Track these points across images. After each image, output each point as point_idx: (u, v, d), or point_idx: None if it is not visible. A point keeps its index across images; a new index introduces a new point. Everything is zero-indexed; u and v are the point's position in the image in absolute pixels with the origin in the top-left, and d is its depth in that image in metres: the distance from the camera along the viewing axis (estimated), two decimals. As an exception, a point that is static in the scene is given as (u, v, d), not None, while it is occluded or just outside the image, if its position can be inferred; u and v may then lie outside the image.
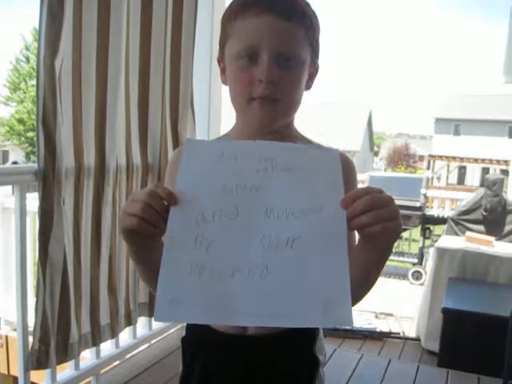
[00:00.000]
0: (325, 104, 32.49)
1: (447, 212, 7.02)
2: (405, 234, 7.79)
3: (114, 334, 2.31)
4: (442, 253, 4.19)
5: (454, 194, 8.67)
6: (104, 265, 2.19)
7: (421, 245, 6.98)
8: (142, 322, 2.63)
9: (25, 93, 25.41)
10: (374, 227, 0.77)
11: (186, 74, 2.52)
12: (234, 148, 0.86)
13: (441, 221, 6.69)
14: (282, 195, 0.81)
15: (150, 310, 2.56)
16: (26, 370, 1.94)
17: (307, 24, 0.97)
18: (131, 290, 2.39)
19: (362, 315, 4.83)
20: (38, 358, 1.91)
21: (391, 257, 6.91)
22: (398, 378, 2.88)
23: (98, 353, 2.33)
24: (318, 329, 1.05)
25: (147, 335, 2.71)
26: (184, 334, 1.08)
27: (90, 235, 2.11)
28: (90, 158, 2.06)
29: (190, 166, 0.85)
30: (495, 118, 29.88)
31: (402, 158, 37.69)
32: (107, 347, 2.43)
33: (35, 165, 1.88)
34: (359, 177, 5.97)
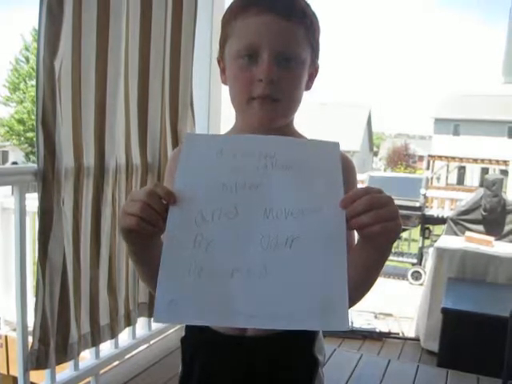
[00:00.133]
0: (324, 104, 32.49)
1: (447, 212, 7.02)
2: (404, 234, 7.80)
3: (113, 334, 2.31)
4: (441, 253, 4.19)
5: (453, 194, 8.67)
6: (103, 265, 2.19)
7: (420, 245, 6.98)
8: (141, 322, 2.63)
9: (24, 93, 25.41)
10: (374, 227, 0.77)
11: (186, 73, 2.51)
12: (233, 144, 0.86)
13: (440, 221, 6.69)
14: (282, 194, 0.81)
15: (149, 310, 2.56)
16: (26, 370, 1.94)
17: (307, 24, 0.97)
18: (131, 290, 2.39)
19: (362, 315, 4.83)
20: (38, 358, 1.91)
21: (390, 257, 6.91)
22: (398, 378, 2.88)
23: (97, 353, 2.33)
24: (317, 329, 1.05)
25: (146, 335, 2.71)
26: (183, 334, 1.08)
27: (89, 235, 2.11)
28: (89, 158, 2.06)
29: (190, 163, 0.84)
30: (495, 119, 29.89)
31: (401, 158, 37.70)
32: (106, 347, 2.43)
33: (35, 165, 1.88)
34: (359, 177, 5.94)
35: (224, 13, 1.02)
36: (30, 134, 24.15)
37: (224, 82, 1.05)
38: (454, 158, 19.21)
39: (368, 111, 36.28)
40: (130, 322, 2.41)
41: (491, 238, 4.58)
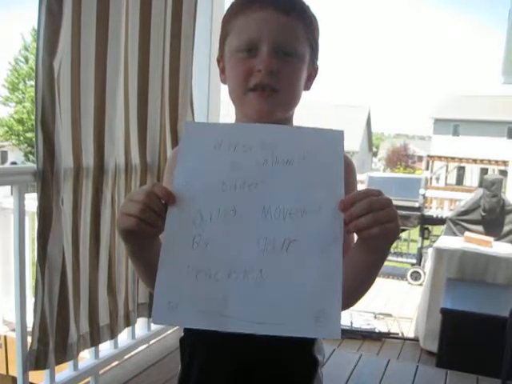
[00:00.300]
0: (324, 104, 32.52)
1: (446, 212, 7.03)
2: (403, 235, 7.80)
3: (113, 334, 2.31)
4: (440, 253, 4.19)
5: (452, 194, 8.68)
6: (103, 265, 2.19)
7: (419, 245, 6.98)
8: (140, 322, 2.63)
9: (24, 93, 25.41)
10: (373, 229, 0.77)
11: (186, 73, 2.51)
12: (233, 134, 0.84)
13: (439, 221, 6.70)
14: (281, 193, 0.80)
15: (149, 310, 2.56)
16: (25, 371, 1.94)
17: (306, 22, 0.98)
18: (130, 290, 2.39)
19: (361, 316, 4.83)
20: (37, 359, 1.91)
21: (390, 257, 6.92)
22: (397, 379, 2.88)
23: (96, 353, 2.33)
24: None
25: (146, 336, 2.71)
26: (182, 334, 1.08)
27: (88, 235, 2.11)
28: (88, 159, 2.06)
29: (189, 158, 0.83)
30: (494, 119, 29.92)
31: (400, 158, 37.74)
32: (106, 347, 2.43)
33: (34, 165, 1.87)
34: (358, 177, 5.94)
35: (225, 13, 1.03)
36: (29, 134, 24.14)
37: (223, 81, 1.05)
38: (453, 159, 19.22)
39: (367, 111, 36.31)
40: (129, 322, 2.41)
41: (490, 239, 4.58)
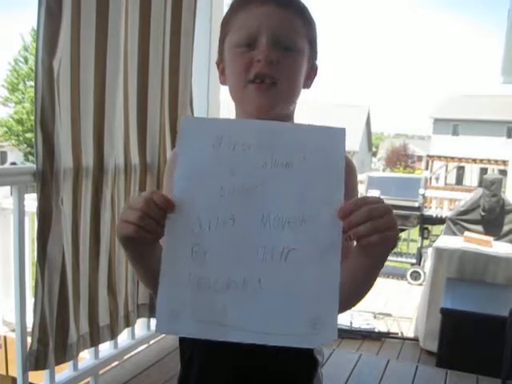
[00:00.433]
0: (323, 104, 32.52)
1: (445, 212, 7.03)
2: (403, 235, 7.80)
3: (113, 334, 2.30)
4: (440, 253, 4.19)
5: (452, 194, 8.68)
6: (103, 265, 2.19)
7: (419, 245, 6.98)
8: (140, 322, 2.63)
9: (23, 93, 25.40)
10: (372, 237, 0.77)
11: (185, 73, 2.51)
12: (232, 132, 0.82)
13: (439, 221, 6.69)
14: (280, 200, 0.79)
15: (150, 311, 2.56)
16: (25, 371, 1.94)
17: (305, 18, 0.99)
18: (130, 290, 2.39)
19: (361, 315, 4.83)
20: (37, 359, 1.91)
21: (390, 257, 6.83)
22: (397, 378, 2.88)
23: (96, 353, 2.33)
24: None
25: (146, 336, 2.71)
26: (182, 334, 1.07)
27: (88, 235, 2.11)
28: (88, 159, 2.06)
29: (187, 159, 0.81)
30: (494, 119, 29.94)
31: (400, 158, 37.74)
32: (106, 348, 2.43)
33: (33, 165, 1.87)
34: (358, 177, 5.93)
35: (224, 14, 1.03)
36: (28, 135, 24.13)
37: (223, 83, 1.05)
38: (452, 158, 19.24)
39: (367, 111, 36.33)
40: (129, 322, 2.41)
41: (490, 238, 4.58)
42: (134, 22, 2.24)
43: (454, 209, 6.34)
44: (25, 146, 25.40)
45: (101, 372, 2.41)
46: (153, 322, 2.72)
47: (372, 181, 6.94)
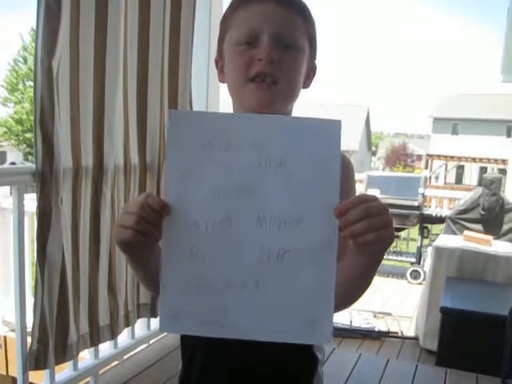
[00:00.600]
0: (323, 103, 32.50)
1: (445, 211, 7.02)
2: (403, 234, 7.79)
3: (113, 334, 2.30)
4: (440, 252, 4.19)
5: (451, 193, 8.67)
6: (103, 265, 2.19)
7: (419, 244, 6.98)
8: (140, 322, 2.63)
9: (23, 94, 25.40)
10: (368, 236, 0.77)
11: (185, 73, 2.51)
12: (224, 129, 0.79)
13: (439, 220, 6.69)
14: (275, 200, 0.79)
15: (151, 311, 2.56)
16: (25, 371, 1.94)
17: (305, 17, 0.99)
18: (130, 290, 2.39)
19: (361, 315, 4.83)
20: (37, 359, 1.91)
21: (389, 256, 6.92)
22: (397, 377, 2.88)
23: (96, 353, 2.33)
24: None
25: (146, 335, 2.71)
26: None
27: (88, 235, 2.11)
28: (87, 158, 2.06)
29: (179, 160, 0.79)
30: (493, 118, 29.95)
31: (399, 157, 37.75)
32: (106, 347, 2.43)
33: (33, 165, 1.87)
34: (357, 176, 5.96)
35: (224, 12, 1.03)
36: (28, 135, 24.13)
37: (222, 80, 1.05)
38: (452, 157, 19.25)
39: (366, 110, 36.32)
40: (129, 322, 2.41)
41: (490, 237, 4.58)
42: (134, 22, 2.24)
43: (453, 208, 6.34)
44: (24, 145, 25.40)
45: (101, 372, 2.41)
46: (153, 321, 2.72)
47: (371, 180, 6.93)
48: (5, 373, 3.46)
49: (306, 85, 1.04)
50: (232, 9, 1.00)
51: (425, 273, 6.11)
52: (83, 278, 2.09)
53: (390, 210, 0.81)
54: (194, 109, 2.62)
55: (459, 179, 27.42)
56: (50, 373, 2.05)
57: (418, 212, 6.68)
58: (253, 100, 0.96)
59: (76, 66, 1.97)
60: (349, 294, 0.88)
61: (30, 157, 23.90)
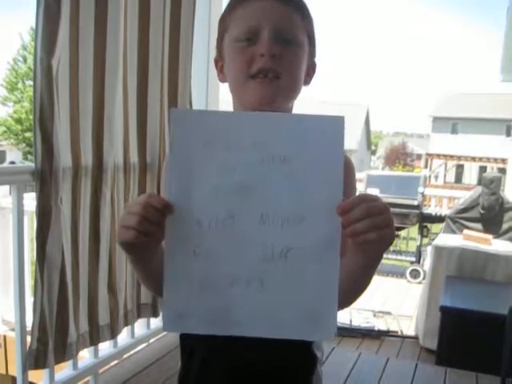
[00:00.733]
0: (322, 103, 32.51)
1: (445, 210, 7.03)
2: (402, 233, 7.80)
3: (113, 334, 2.30)
4: (439, 251, 4.19)
5: (451, 192, 8.67)
6: (103, 264, 2.18)
7: (418, 243, 6.98)
8: (140, 321, 2.62)
9: (22, 93, 25.39)
10: (369, 235, 0.77)
11: (185, 72, 2.51)
12: (225, 127, 0.79)
13: (438, 219, 6.69)
14: (278, 197, 0.79)
15: (153, 310, 2.56)
16: (24, 370, 1.93)
17: (304, 13, 0.99)
18: (129, 289, 2.39)
19: (360, 314, 4.83)
20: (36, 358, 1.91)
21: (389, 255, 6.92)
22: (396, 377, 2.89)
23: (96, 352, 2.33)
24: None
25: (145, 334, 2.71)
26: (182, 331, 1.08)
27: (87, 234, 2.11)
28: (87, 158, 2.06)
29: (181, 159, 0.79)
30: (493, 117, 29.94)
31: (399, 156, 37.76)
32: (105, 347, 2.43)
33: (32, 164, 1.87)
34: (357, 175, 5.93)
35: (222, 12, 1.03)
36: (27, 134, 24.12)
37: (222, 80, 1.05)
38: (452, 157, 19.27)
39: (366, 110, 36.34)
40: (128, 321, 2.41)
41: (489, 236, 4.58)
42: (134, 21, 2.23)
43: (453, 207, 6.34)
44: (24, 145, 25.38)
45: (100, 371, 2.41)
46: (153, 320, 2.72)
47: (371, 179, 6.94)
48: (4, 372, 3.46)
49: (306, 82, 1.04)
50: (230, 8, 1.01)
51: (424, 272, 6.12)
52: (83, 278, 2.09)
53: (390, 209, 0.81)
54: (194, 108, 2.62)
55: (459, 178, 27.43)
56: (50, 372, 2.05)
57: (417, 211, 6.69)
58: (255, 96, 0.95)
59: (76, 65, 1.97)
60: (348, 293, 0.88)
61: (29, 156, 23.89)
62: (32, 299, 1.92)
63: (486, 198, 5.34)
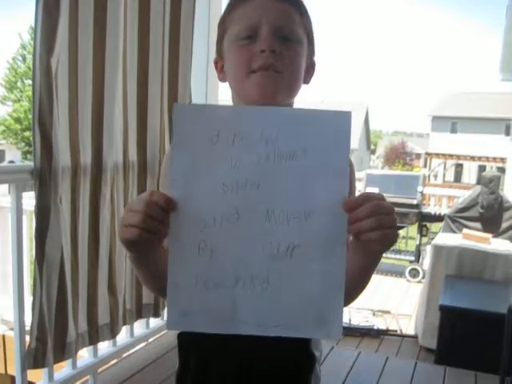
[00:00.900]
0: (322, 102, 32.53)
1: (444, 209, 7.03)
2: (402, 232, 7.80)
3: (113, 333, 2.30)
4: (438, 250, 4.19)
5: (450, 191, 8.66)
6: (102, 263, 2.18)
7: (418, 242, 6.99)
8: (139, 320, 2.62)
9: (22, 92, 25.39)
10: (373, 233, 0.77)
11: (185, 71, 2.51)
12: (231, 122, 0.78)
13: (438, 218, 6.70)
14: (284, 193, 0.78)
15: (155, 311, 2.56)
16: (23, 369, 1.93)
17: (302, 12, 1.00)
18: (128, 289, 2.38)
19: (360, 313, 4.84)
20: (35, 357, 1.91)
21: (388, 254, 6.92)
22: (396, 376, 2.89)
23: (95, 351, 2.33)
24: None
25: (144, 334, 2.71)
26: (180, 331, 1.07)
27: (87, 234, 2.10)
28: (86, 157, 2.06)
29: (184, 154, 0.78)
30: (492, 116, 29.96)
31: (398, 155, 37.77)
32: (104, 346, 2.43)
33: (31, 163, 1.87)
34: (357, 175, 5.93)
35: (222, 13, 1.04)
36: (27, 133, 24.12)
37: (222, 79, 1.05)
38: (451, 156, 19.28)
39: (365, 109, 36.35)
40: (126, 320, 2.40)
41: (488, 236, 4.58)
42: (133, 19, 2.23)
43: (452, 206, 6.34)
44: (23, 144, 25.38)
45: (99, 370, 2.41)
46: (152, 319, 2.72)
47: (371, 178, 6.94)
48: (3, 371, 3.46)
49: (306, 80, 1.04)
50: (230, 8, 1.01)
51: (424, 271, 6.12)
52: (82, 277, 2.09)
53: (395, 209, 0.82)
54: (193, 107, 2.62)
55: (458, 177, 27.46)
56: (49, 371, 2.05)
57: (416, 210, 6.69)
58: (257, 90, 0.95)
59: (75, 63, 1.96)
60: (346, 292, 0.88)
61: (28, 155, 23.88)
62: (31, 298, 1.92)
63: (485, 197, 5.34)
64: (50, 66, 1.80)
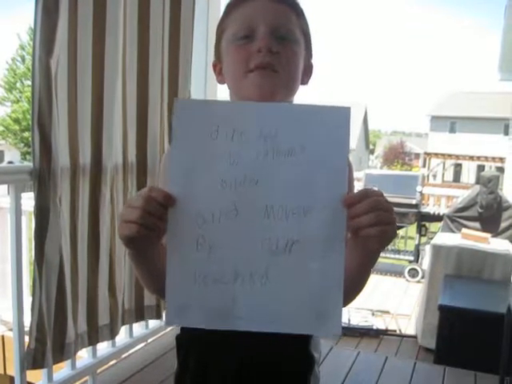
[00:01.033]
0: (321, 102, 32.52)
1: (443, 209, 7.03)
2: (401, 232, 7.79)
3: (112, 334, 2.30)
4: (438, 250, 4.19)
5: (449, 191, 8.65)
6: (102, 264, 2.18)
7: (417, 242, 6.98)
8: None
9: (21, 92, 25.39)
10: (372, 229, 0.77)
11: (185, 71, 2.51)
12: (230, 118, 0.79)
13: (437, 218, 6.70)
14: (283, 190, 0.78)
15: (157, 313, 2.56)
16: (23, 370, 1.93)
17: (298, 12, 1.01)
18: (128, 289, 2.38)
19: (359, 313, 4.84)
20: (35, 358, 1.91)
21: (387, 254, 6.92)
22: (395, 376, 2.89)
23: (94, 352, 2.33)
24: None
25: (144, 334, 2.71)
26: (179, 331, 1.07)
27: (86, 234, 2.10)
28: (85, 157, 2.06)
29: (183, 150, 0.78)
30: (491, 116, 29.96)
31: (397, 155, 37.79)
32: (104, 346, 2.43)
33: (30, 164, 1.87)
34: (355, 175, 5.96)
35: (220, 17, 1.05)
36: (26, 134, 24.11)
37: (220, 81, 1.06)
38: (450, 156, 19.29)
39: (364, 109, 36.37)
40: (125, 320, 2.40)
41: (487, 235, 4.58)
42: (133, 19, 2.23)
43: (451, 206, 6.34)
44: (22, 144, 25.38)
45: (99, 371, 2.41)
46: (151, 320, 2.72)
47: (369, 178, 6.94)
48: (3, 372, 3.46)
49: (304, 81, 1.04)
50: (227, 11, 1.02)
51: (423, 271, 6.12)
52: (82, 277, 2.09)
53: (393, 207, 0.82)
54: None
55: (457, 177, 27.48)
56: (48, 372, 2.05)
57: (415, 210, 6.69)
58: (255, 89, 0.95)
59: (74, 64, 1.96)
60: (345, 292, 0.88)
61: (27, 156, 23.87)
62: (30, 299, 1.92)
63: (484, 197, 5.34)
64: (49, 67, 1.80)
